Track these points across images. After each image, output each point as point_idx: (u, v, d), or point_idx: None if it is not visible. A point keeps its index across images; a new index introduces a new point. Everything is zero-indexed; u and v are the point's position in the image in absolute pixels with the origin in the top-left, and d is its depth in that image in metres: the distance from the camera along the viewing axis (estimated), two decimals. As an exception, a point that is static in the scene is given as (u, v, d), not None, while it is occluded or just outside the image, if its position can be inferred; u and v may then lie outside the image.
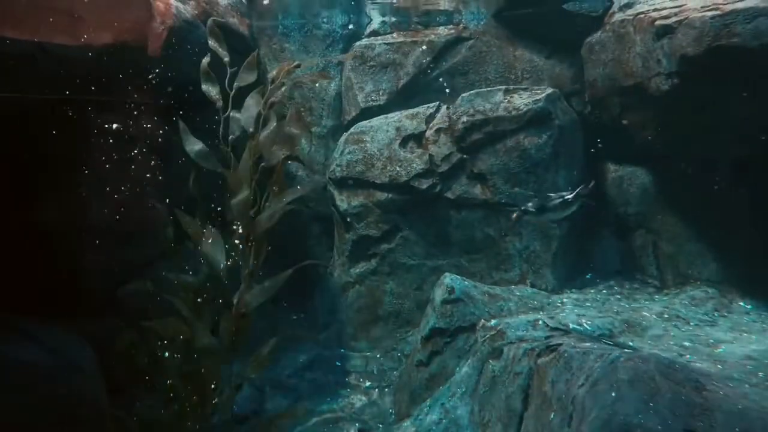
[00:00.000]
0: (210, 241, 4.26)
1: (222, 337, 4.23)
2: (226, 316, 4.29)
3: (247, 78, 4.70)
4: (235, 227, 4.43)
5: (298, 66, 4.93)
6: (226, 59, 4.66)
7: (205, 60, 4.66)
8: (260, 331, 4.93)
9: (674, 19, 4.86)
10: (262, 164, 4.53)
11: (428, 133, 5.89)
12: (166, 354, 4.12)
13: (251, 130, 4.54)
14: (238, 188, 4.42)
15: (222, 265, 4.22)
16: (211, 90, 4.60)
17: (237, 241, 4.38)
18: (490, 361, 4.46)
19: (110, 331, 4.17)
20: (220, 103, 4.58)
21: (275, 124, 4.59)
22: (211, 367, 4.16)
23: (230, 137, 4.55)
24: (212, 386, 4.17)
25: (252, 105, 4.61)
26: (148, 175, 4.76)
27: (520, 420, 3.97)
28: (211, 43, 4.71)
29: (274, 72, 4.80)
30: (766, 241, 5.09)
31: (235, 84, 4.62)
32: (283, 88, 4.73)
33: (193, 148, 4.48)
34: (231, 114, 4.60)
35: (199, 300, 4.28)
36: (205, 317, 4.25)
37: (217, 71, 4.71)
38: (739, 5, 4.52)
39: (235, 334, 4.25)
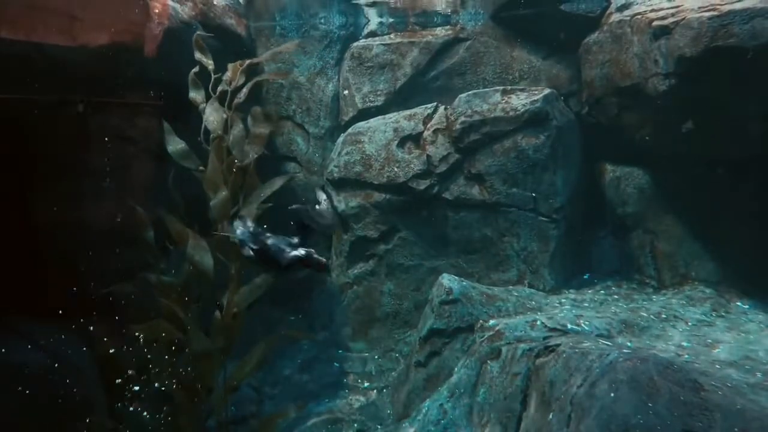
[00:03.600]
0: (196, 242, 4.27)
1: (214, 339, 4.24)
2: (216, 317, 4.30)
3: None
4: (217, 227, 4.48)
5: (254, 64, 4.97)
6: (211, 67, 4.77)
7: (194, 70, 4.79)
8: (258, 332, 4.92)
9: (671, 19, 4.87)
10: (237, 164, 4.58)
11: (426, 134, 5.89)
12: (159, 356, 4.11)
13: (218, 133, 4.62)
14: (216, 189, 4.48)
15: (211, 266, 4.22)
16: (197, 97, 4.71)
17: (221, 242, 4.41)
18: (489, 361, 4.46)
19: (106, 332, 4.17)
20: (203, 106, 4.68)
21: (241, 124, 4.69)
22: (205, 369, 4.15)
23: (211, 136, 4.64)
24: (207, 388, 4.17)
25: (213, 109, 4.69)
26: (144, 176, 4.76)
27: (519, 420, 3.98)
28: (197, 55, 4.79)
29: (229, 73, 4.84)
30: (764, 241, 5.10)
31: (219, 88, 4.72)
32: (245, 89, 4.79)
33: (175, 148, 4.54)
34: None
35: (189, 301, 4.28)
36: (197, 319, 4.26)
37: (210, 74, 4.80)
38: (737, 6, 4.53)
39: (226, 335, 4.26)
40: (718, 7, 4.62)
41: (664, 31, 4.91)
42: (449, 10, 6.62)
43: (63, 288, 4.06)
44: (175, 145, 4.55)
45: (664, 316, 4.96)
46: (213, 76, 4.78)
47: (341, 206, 5.96)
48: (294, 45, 6.42)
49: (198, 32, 4.92)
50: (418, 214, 5.87)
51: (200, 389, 4.14)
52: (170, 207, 4.49)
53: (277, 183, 4.75)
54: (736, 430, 2.94)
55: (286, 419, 4.90)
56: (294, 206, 4.32)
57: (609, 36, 5.68)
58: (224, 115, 4.67)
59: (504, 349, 4.40)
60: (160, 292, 4.24)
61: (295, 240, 3.54)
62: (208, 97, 4.77)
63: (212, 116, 4.64)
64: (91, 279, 4.23)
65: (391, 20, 6.77)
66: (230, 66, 4.85)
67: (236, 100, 4.77)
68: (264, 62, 6.53)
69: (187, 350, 4.14)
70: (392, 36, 6.68)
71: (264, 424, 4.55)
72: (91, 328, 4.07)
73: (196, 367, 4.13)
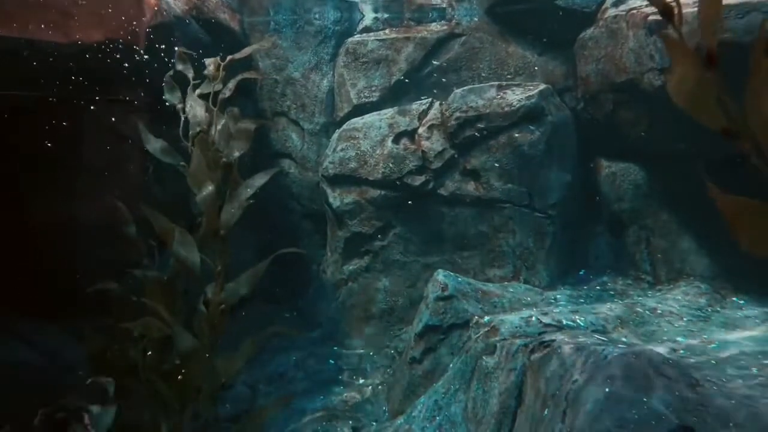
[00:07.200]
0: (182, 239, 4.25)
1: (201, 336, 4.21)
2: (202, 313, 4.27)
3: (207, 88, 4.86)
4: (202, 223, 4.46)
5: (233, 60, 4.96)
6: (191, 75, 4.81)
7: (169, 74, 4.80)
8: (252, 330, 4.90)
9: (667, 14, 4.85)
10: (223, 160, 4.57)
11: (421, 130, 5.88)
12: (148, 354, 4.08)
13: (202, 127, 4.62)
14: (201, 184, 4.46)
15: (197, 262, 4.20)
16: (173, 98, 4.75)
17: (206, 237, 4.39)
18: (484, 357, 4.44)
19: (100, 331, 4.15)
20: (180, 105, 4.69)
21: (224, 119, 4.68)
22: (193, 367, 4.13)
23: (190, 132, 4.64)
24: (196, 387, 4.14)
25: (196, 104, 4.69)
26: (138, 174, 4.73)
27: (514, 416, 3.96)
28: (179, 66, 4.80)
29: (211, 68, 4.83)
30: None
31: (197, 92, 4.76)
32: (230, 85, 4.78)
33: (154, 147, 4.54)
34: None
35: (176, 299, 4.26)
36: (184, 316, 4.23)
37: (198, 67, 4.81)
38: (732, 0, 4.51)
39: (214, 332, 4.24)
40: (713, 1, 4.60)
41: (659, 26, 4.89)
42: (444, 6, 6.60)
43: (54, 286, 4.04)
44: (154, 143, 4.56)
45: (659, 311, 4.95)
46: (192, 82, 4.80)
47: (336, 203, 5.94)
48: (270, 42, 6.42)
49: (180, 48, 4.91)
50: (413, 210, 5.85)
51: (188, 387, 4.10)
52: (158, 204, 4.47)
53: (263, 178, 4.72)
54: (731, 425, 2.93)
55: (280, 416, 4.87)
56: None
57: (604, 31, 5.66)
58: (206, 112, 4.66)
59: (499, 345, 4.38)
60: (147, 289, 4.21)
61: None
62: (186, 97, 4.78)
63: (195, 111, 4.64)
64: (83, 277, 4.21)
65: (385, 16, 6.75)
66: (209, 61, 4.84)
67: (221, 96, 4.75)
68: (258, 58, 6.53)
69: (174, 348, 4.12)
70: (387, 31, 6.66)
71: (252, 419, 4.52)
72: (83, 325, 4.05)
73: (182, 365, 4.11)
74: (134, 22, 4.68)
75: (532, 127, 5.62)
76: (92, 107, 4.45)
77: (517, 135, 5.62)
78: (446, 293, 5.11)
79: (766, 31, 1.23)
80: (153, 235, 4.37)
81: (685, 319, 4.84)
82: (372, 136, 5.95)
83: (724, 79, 1.28)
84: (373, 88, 6.45)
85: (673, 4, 1.34)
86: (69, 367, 3.94)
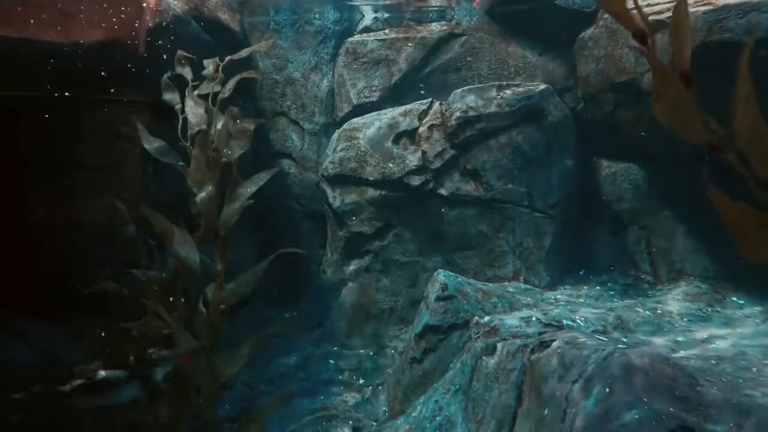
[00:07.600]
0: (182, 239, 4.24)
1: (201, 336, 4.21)
2: (202, 315, 4.27)
3: (206, 88, 4.84)
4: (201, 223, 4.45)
5: (233, 61, 4.96)
6: (190, 76, 4.80)
7: (167, 75, 4.79)
8: (253, 330, 4.89)
9: (667, 14, 4.85)
10: (224, 159, 4.56)
11: (421, 130, 5.87)
12: (147, 355, 4.08)
13: (198, 128, 4.61)
14: (201, 184, 4.45)
15: (197, 262, 4.20)
16: (172, 99, 4.72)
17: (206, 237, 4.38)
18: (484, 357, 4.44)
19: (100, 331, 4.15)
20: (178, 106, 4.68)
21: (223, 119, 4.67)
22: (193, 368, 4.12)
23: (189, 133, 4.63)
24: (196, 387, 4.13)
25: (195, 104, 4.69)
26: (138, 174, 4.73)
27: (514, 416, 3.96)
28: (179, 68, 4.80)
29: (211, 68, 4.83)
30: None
31: (196, 92, 4.75)
32: (229, 85, 4.78)
33: (152, 146, 4.54)
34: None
35: (176, 299, 4.25)
36: (184, 316, 4.23)
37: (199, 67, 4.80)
38: (732, 0, 4.52)
39: (214, 332, 4.23)
40: (713, 1, 4.61)
41: (659, 26, 4.89)
42: (444, 6, 6.61)
43: (54, 286, 4.04)
44: (153, 143, 4.55)
45: (659, 311, 4.95)
46: (191, 84, 4.79)
47: (336, 203, 5.94)
48: (269, 44, 6.42)
49: (180, 51, 4.91)
50: (413, 210, 5.85)
51: (188, 387, 4.10)
52: (158, 204, 4.46)
53: (263, 178, 4.72)
54: (731, 425, 2.93)
55: (280, 415, 4.87)
56: None
57: (604, 31, 5.66)
58: (205, 112, 4.66)
59: (499, 345, 4.38)
60: (147, 289, 4.21)
61: None
62: (184, 97, 4.77)
63: (195, 111, 4.64)
64: (83, 277, 4.21)
65: (386, 16, 6.75)
66: (208, 62, 4.83)
67: (220, 96, 4.75)
68: (258, 58, 6.53)
69: (173, 348, 4.11)
70: (387, 31, 6.66)
71: (252, 419, 4.52)
72: (83, 325, 4.05)
73: (182, 365, 4.10)
74: (134, 22, 4.68)
75: (532, 127, 5.62)
76: (92, 107, 4.44)
77: (516, 135, 5.62)
78: (446, 293, 5.11)
79: (750, 48, 1.24)
80: (153, 235, 4.36)
81: (685, 319, 4.84)
82: (372, 136, 5.95)
83: (703, 97, 1.30)
84: (373, 88, 6.45)
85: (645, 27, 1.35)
86: (68, 367, 3.94)
